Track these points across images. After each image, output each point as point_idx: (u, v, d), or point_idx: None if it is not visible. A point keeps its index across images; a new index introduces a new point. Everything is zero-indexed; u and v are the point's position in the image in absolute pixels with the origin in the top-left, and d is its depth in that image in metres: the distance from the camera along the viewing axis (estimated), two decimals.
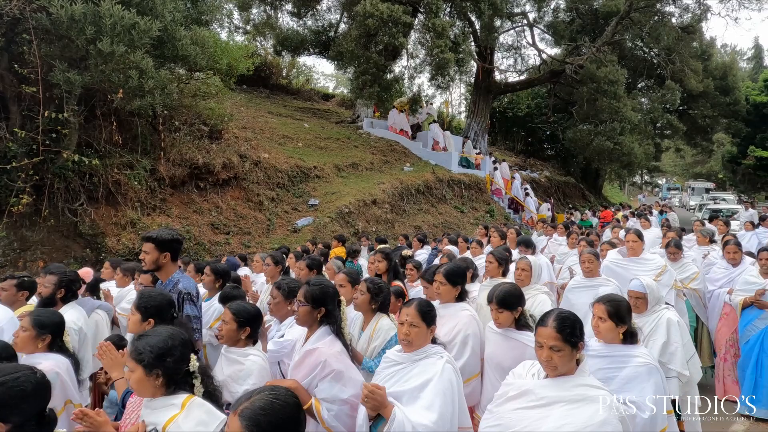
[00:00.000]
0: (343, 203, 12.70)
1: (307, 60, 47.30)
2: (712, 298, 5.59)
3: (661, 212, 16.14)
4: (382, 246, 7.53)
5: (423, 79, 43.16)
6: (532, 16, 23.70)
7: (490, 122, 23.85)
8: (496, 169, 19.31)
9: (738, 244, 5.70)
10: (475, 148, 20.70)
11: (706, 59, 26.49)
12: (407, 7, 16.65)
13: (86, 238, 8.96)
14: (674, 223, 15.33)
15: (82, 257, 8.73)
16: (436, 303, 3.04)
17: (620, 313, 2.72)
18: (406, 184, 14.95)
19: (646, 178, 56.14)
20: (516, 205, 18.85)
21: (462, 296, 3.37)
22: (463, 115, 32.52)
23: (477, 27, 20.17)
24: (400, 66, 19.41)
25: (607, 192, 35.10)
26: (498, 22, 19.85)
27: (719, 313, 5.46)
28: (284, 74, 24.77)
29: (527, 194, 19.18)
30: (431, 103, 22.81)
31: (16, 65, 8.46)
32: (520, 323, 3.00)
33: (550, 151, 29.98)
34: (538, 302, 3.88)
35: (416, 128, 20.39)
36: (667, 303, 3.79)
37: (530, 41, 23.67)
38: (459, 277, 3.36)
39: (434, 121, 19.99)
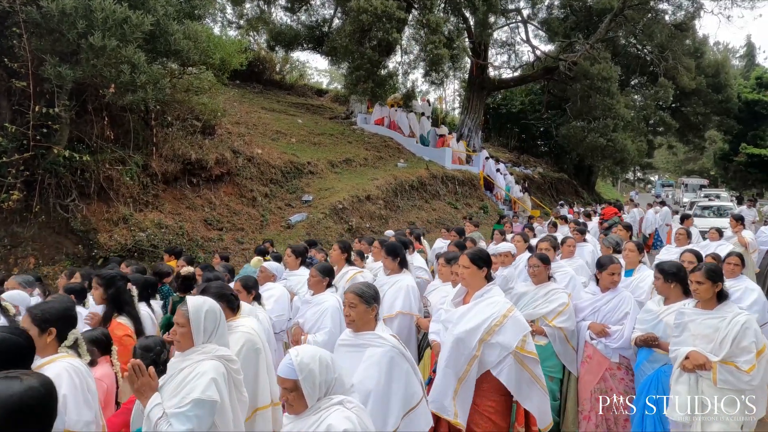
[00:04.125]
0: (336, 199, 12.69)
1: (300, 55, 47.15)
2: (579, 335, 4.09)
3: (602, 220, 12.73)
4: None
5: (417, 75, 43.10)
6: (526, 12, 23.75)
7: (484, 118, 23.89)
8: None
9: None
10: (468, 144, 20.75)
11: (699, 57, 26.64)
12: (401, 2, 16.61)
13: (78, 234, 8.89)
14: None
15: (74, 254, 8.67)
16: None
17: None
18: (400, 180, 14.95)
19: (639, 174, 56.49)
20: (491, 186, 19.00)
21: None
22: (457, 112, 32.55)
23: (471, 23, 20.16)
24: (394, 62, 19.32)
25: (600, 188, 35.28)
26: (492, 19, 19.81)
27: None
28: (278, 69, 24.66)
29: (498, 171, 19.38)
30: (424, 99, 22.75)
31: (6, 59, 8.37)
32: None
33: (544, 147, 30.09)
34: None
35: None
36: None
37: (524, 38, 23.72)
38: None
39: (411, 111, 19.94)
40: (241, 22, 21.14)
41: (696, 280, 3.19)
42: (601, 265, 4.07)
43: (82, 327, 3.23)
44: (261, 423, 2.88)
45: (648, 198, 28.74)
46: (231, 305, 3.10)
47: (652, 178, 58.11)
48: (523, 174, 22.57)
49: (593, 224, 11.75)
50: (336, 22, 21.21)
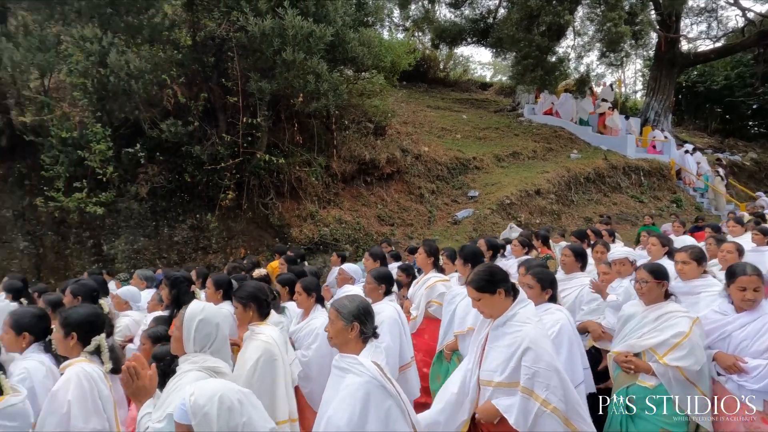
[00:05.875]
0: (503, 194, 12.32)
1: (464, 51, 46.92)
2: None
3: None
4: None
5: (592, 58, 39.54)
6: None
7: (674, 99, 20.76)
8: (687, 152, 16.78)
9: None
10: (657, 129, 18.23)
11: None
12: None
13: (275, 229, 10.21)
14: None
15: (273, 246, 9.99)
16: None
17: None
18: (573, 173, 13.86)
19: None
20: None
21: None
22: (639, 95, 28.94)
23: None
24: (564, 46, 18.02)
25: None
26: None
27: None
28: (441, 67, 24.93)
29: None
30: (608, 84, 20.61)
31: (223, 79, 9.98)
32: None
33: (758, 128, 24.91)
34: None
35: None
36: None
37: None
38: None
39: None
40: (407, 23, 21.88)
41: None
42: (731, 274, 3.02)
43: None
44: None
45: None
46: (260, 309, 3.00)
47: None
48: (729, 161, 18.99)
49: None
50: (501, 12, 20.58)
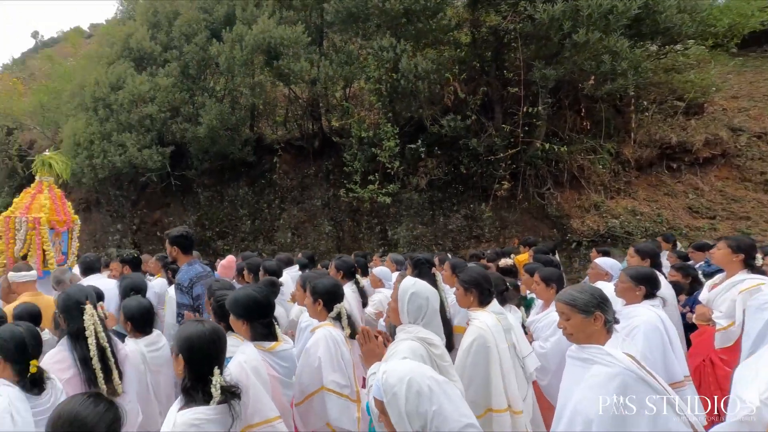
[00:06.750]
0: None
1: None
2: None
3: None
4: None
5: None
6: None
7: None
8: None
9: None
10: None
11: None
12: None
13: (552, 220, 9.33)
14: None
15: (549, 237, 9.15)
16: None
17: None
18: None
19: None
20: None
21: None
22: None
23: None
24: None
25: None
26: None
27: None
28: None
29: None
30: None
31: (504, 71, 9.83)
32: None
33: None
34: None
35: None
36: None
37: None
38: None
39: None
40: None
41: None
42: None
43: None
44: (497, 426, 2.65)
45: None
46: (481, 296, 2.98)
47: None
48: None
49: None
50: None
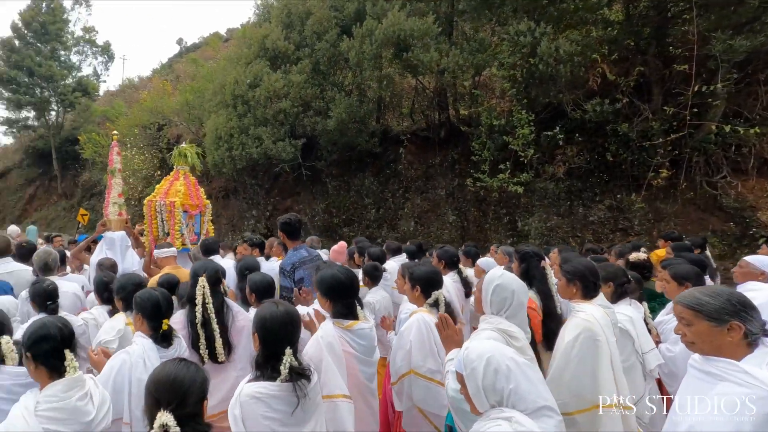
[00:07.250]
0: None
1: None
2: None
3: None
4: None
5: None
6: None
7: None
8: None
9: None
10: None
11: None
12: None
13: (728, 212, 7.95)
14: None
15: (722, 231, 7.87)
16: None
17: None
18: None
19: None
20: None
21: None
22: None
23: None
24: None
25: None
26: None
27: None
28: None
29: None
30: None
31: (669, 48, 8.54)
32: None
33: None
34: None
35: None
36: None
37: None
38: None
39: None
40: None
41: None
42: None
43: None
44: (606, 420, 2.48)
45: None
46: (585, 289, 2.77)
47: None
48: None
49: None
50: None
